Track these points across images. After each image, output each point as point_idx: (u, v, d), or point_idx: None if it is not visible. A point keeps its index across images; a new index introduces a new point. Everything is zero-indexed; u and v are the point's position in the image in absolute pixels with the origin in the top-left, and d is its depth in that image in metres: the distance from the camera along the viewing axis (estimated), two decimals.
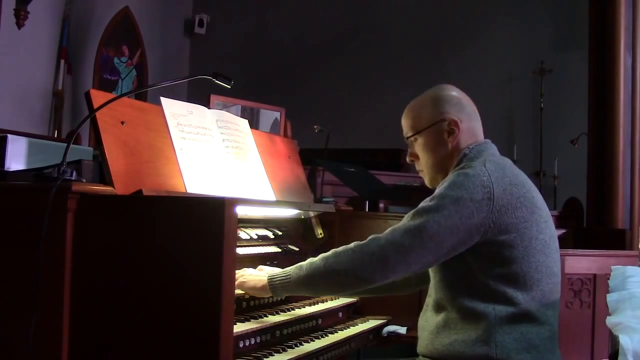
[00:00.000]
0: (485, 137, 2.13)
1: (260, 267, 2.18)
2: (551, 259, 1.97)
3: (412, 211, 1.92)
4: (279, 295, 2.09)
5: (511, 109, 7.03)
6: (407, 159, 2.18)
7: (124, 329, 1.66)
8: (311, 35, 7.73)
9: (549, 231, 1.99)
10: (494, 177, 1.90)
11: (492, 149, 2.09)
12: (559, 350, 2.00)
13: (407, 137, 2.14)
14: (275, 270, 2.06)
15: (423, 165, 2.14)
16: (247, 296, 2.07)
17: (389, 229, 1.93)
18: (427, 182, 2.16)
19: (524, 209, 1.91)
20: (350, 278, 1.93)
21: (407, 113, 2.15)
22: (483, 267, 1.90)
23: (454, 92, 2.11)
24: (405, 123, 2.15)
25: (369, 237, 1.94)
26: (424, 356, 2.02)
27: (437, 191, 1.93)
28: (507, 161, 2.05)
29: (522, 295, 1.90)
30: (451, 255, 1.90)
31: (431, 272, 2.03)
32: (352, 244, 1.95)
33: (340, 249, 1.96)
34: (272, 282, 2.03)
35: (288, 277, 2.01)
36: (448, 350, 1.92)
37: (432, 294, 2.04)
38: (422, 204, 1.92)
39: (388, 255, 1.88)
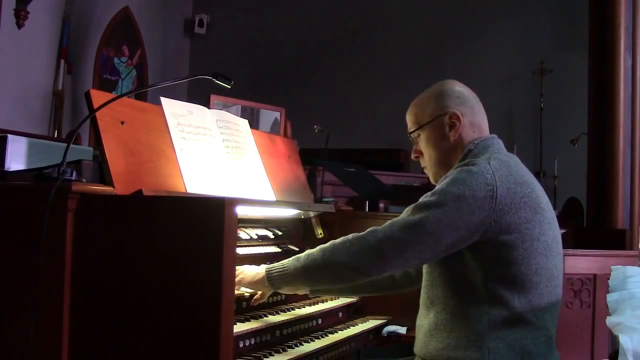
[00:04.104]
0: None
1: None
2: (552, 262, 1.93)
3: (413, 205, 1.90)
4: (277, 288, 2.06)
5: (511, 109, 7.04)
6: (412, 156, 2.17)
7: (124, 329, 1.66)
8: (311, 35, 7.73)
9: (551, 233, 1.95)
10: (498, 175, 1.87)
11: (498, 144, 2.05)
12: (557, 352, 1.97)
13: (410, 133, 2.14)
14: (274, 263, 2.06)
15: (427, 162, 2.12)
16: (247, 295, 2.07)
17: (388, 222, 1.91)
18: (431, 179, 2.14)
19: (527, 209, 1.88)
20: (347, 270, 1.93)
21: (410, 109, 2.14)
22: (482, 266, 1.87)
23: (457, 87, 2.10)
24: (409, 119, 2.14)
25: (368, 230, 1.92)
26: (420, 357, 2.01)
27: (438, 186, 1.90)
28: (513, 159, 2.01)
29: (518, 298, 1.86)
30: (450, 252, 1.88)
31: (429, 267, 2.00)
32: (350, 236, 1.94)
33: (338, 240, 1.95)
34: (269, 274, 2.02)
35: (286, 268, 2.01)
36: (441, 355, 1.91)
37: (426, 290, 2.01)
38: (422, 199, 1.90)
39: (385, 250, 1.87)
